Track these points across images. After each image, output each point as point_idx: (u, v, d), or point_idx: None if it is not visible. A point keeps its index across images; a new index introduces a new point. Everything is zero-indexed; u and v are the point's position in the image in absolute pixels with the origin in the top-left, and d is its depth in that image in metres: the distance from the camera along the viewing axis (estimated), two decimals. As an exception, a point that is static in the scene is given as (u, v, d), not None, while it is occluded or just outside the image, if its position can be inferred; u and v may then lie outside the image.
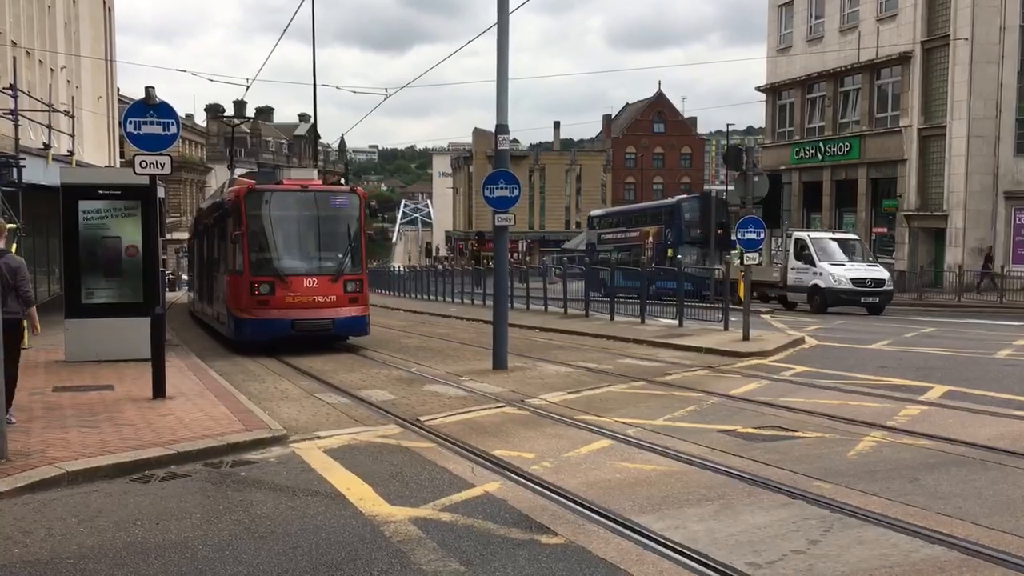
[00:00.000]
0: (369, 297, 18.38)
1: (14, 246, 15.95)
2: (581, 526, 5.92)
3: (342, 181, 26.91)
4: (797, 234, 29.36)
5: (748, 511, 6.21)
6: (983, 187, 34.34)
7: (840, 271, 26.85)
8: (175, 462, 7.71)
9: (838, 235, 30.38)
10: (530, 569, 5.15)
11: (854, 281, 26.48)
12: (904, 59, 36.52)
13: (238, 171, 30.25)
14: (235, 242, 17.09)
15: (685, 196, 42.97)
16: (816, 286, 27.21)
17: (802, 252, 28.02)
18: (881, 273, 27.39)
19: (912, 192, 36.63)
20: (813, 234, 29.33)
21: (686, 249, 34.77)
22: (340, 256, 17.42)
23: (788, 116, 44.11)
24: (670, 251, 35.41)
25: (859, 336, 19.10)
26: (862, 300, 26.58)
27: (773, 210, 34.06)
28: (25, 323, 9.23)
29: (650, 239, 37.94)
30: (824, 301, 26.88)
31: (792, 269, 28.47)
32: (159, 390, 10.68)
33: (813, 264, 27.43)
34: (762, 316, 24.56)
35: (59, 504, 6.59)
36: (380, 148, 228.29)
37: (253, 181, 18.46)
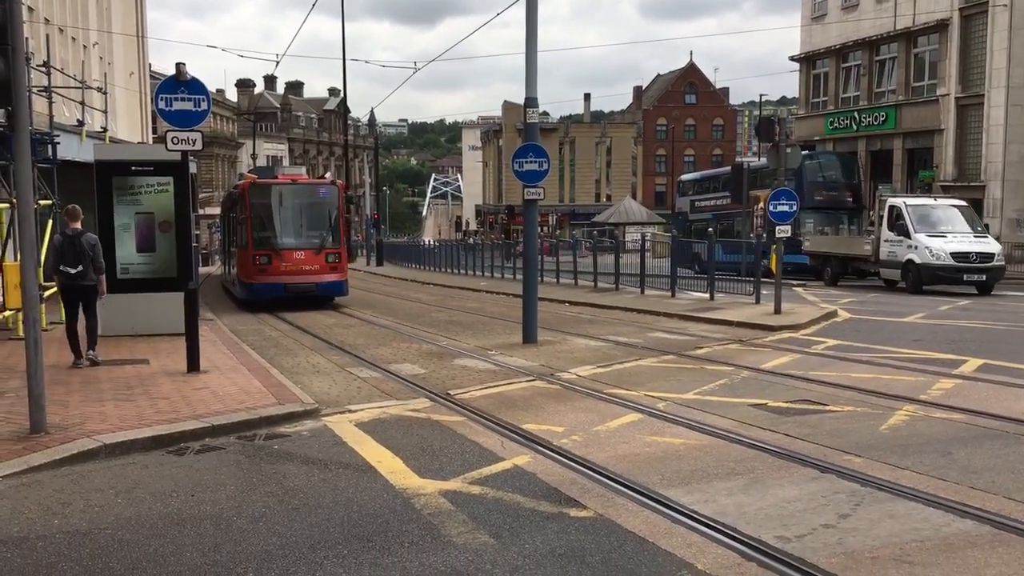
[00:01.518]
0: (347, 265, 22.37)
1: (50, 222, 16.23)
2: (610, 499, 5.95)
3: (327, 175, 28.35)
4: (892, 200, 25.31)
5: (778, 485, 6.19)
6: (1021, 157, 33.66)
7: (938, 244, 23.01)
8: (210, 435, 7.84)
9: (940, 201, 26.02)
10: (559, 542, 5.18)
11: (955, 256, 22.71)
12: (941, 26, 35.75)
13: (266, 147, 34.64)
14: (242, 224, 21.31)
15: (808, 152, 35.28)
16: (911, 261, 23.49)
17: (896, 221, 24.24)
18: (991, 246, 23.52)
19: (949, 162, 35.99)
20: (910, 200, 25.32)
21: (808, 215, 30.54)
22: (322, 234, 21.38)
23: (822, 86, 43.38)
24: None
25: (893, 309, 18.89)
26: (965, 278, 22.77)
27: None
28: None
29: (759, 205, 32.49)
30: (919, 278, 23.23)
31: (885, 241, 24.65)
32: (193, 364, 10.84)
33: (908, 236, 23.68)
34: (794, 289, 24.35)
35: (97, 476, 6.72)
36: (410, 122, 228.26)
37: (256, 176, 22.88)
